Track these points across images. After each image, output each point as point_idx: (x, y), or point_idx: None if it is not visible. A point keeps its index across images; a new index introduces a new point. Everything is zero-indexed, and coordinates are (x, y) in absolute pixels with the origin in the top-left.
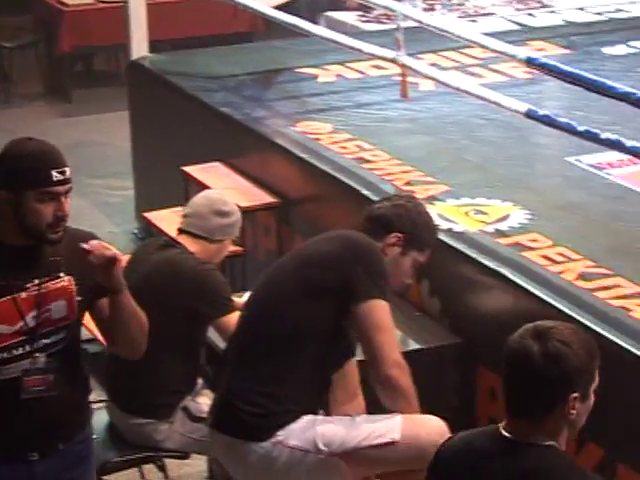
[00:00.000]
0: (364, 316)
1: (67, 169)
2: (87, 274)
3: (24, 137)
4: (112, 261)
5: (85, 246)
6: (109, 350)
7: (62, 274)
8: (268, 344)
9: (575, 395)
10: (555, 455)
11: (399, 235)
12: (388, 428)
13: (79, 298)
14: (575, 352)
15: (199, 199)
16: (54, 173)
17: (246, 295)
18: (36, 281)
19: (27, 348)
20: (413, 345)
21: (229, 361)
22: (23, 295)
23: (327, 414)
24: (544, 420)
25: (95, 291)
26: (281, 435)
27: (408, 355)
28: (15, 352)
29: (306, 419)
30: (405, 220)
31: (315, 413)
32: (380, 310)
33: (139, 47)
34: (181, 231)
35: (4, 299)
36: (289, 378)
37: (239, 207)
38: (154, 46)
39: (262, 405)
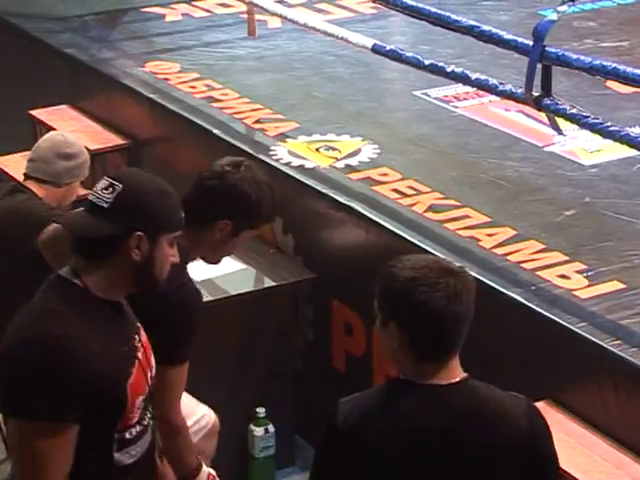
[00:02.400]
0: None
1: None
2: None
3: (134, 169)
4: None
5: None
6: None
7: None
8: None
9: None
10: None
11: (227, 222)
12: None
13: None
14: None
15: (43, 143)
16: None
17: None
18: (136, 337)
19: (148, 415)
20: (268, 282)
21: None
22: (140, 355)
23: None
24: None
25: None
26: None
27: (263, 292)
28: (144, 422)
29: None
30: (234, 203)
31: None
32: None
33: None
34: (27, 176)
35: (135, 366)
36: None
37: (88, 150)
38: None
39: None
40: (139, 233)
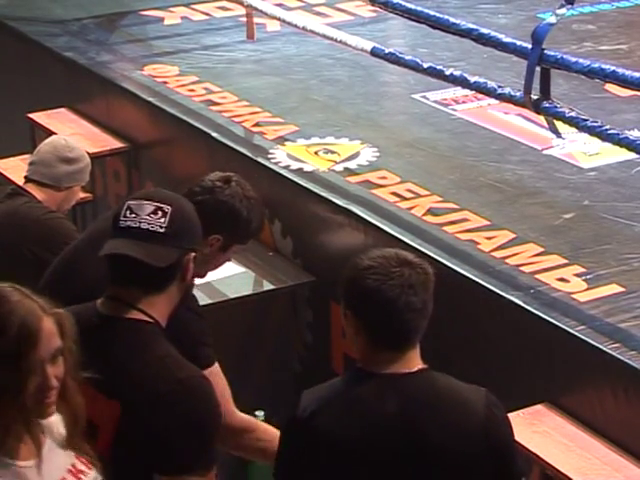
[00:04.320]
0: None
1: None
2: None
3: (158, 189)
4: None
5: None
6: None
7: None
8: None
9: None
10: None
11: (218, 237)
12: None
13: None
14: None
15: (44, 146)
16: None
17: None
18: None
19: None
20: (267, 285)
21: None
22: None
23: None
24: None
25: None
26: None
27: (262, 296)
28: None
29: None
30: (225, 220)
31: None
32: None
33: None
34: (27, 179)
35: None
36: None
37: (87, 153)
38: None
39: None
40: (193, 254)
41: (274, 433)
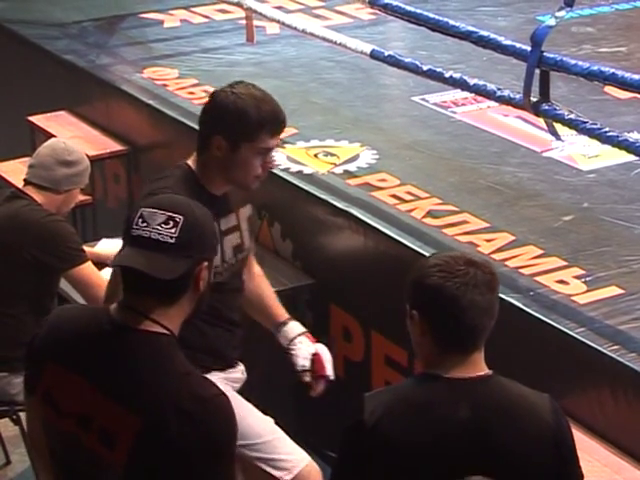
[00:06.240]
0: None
1: None
2: None
3: (167, 195)
4: None
5: None
6: None
7: None
8: None
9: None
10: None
11: (219, 137)
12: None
13: None
14: None
15: (44, 149)
16: None
17: (99, 244)
18: None
19: None
20: None
21: None
22: None
23: None
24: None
25: None
26: None
27: None
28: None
29: None
30: (217, 117)
31: None
32: None
33: None
34: (27, 182)
35: None
36: None
37: (87, 156)
38: None
39: None
40: (206, 263)
41: None
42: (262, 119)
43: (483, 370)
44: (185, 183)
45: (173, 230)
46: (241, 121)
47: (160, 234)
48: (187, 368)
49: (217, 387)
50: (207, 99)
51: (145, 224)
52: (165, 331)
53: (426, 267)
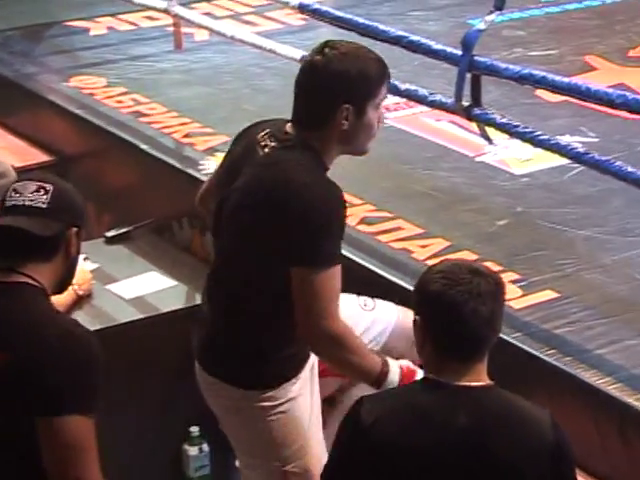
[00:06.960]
0: None
1: None
2: None
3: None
4: None
5: None
6: None
7: None
8: None
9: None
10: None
11: (345, 106)
12: None
13: None
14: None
15: None
16: None
17: None
18: None
19: None
20: (198, 299)
21: None
22: None
23: None
24: None
25: None
26: None
27: (193, 309)
28: None
29: None
30: (336, 85)
31: None
32: None
33: None
34: None
35: None
36: None
37: (13, 167)
38: None
39: None
40: (76, 229)
41: (365, 350)
42: (380, 70)
43: (484, 380)
44: (319, 167)
45: (45, 197)
46: (365, 81)
47: (32, 200)
48: (55, 310)
49: (82, 325)
50: (307, 72)
51: (18, 194)
52: (36, 284)
53: (431, 273)
